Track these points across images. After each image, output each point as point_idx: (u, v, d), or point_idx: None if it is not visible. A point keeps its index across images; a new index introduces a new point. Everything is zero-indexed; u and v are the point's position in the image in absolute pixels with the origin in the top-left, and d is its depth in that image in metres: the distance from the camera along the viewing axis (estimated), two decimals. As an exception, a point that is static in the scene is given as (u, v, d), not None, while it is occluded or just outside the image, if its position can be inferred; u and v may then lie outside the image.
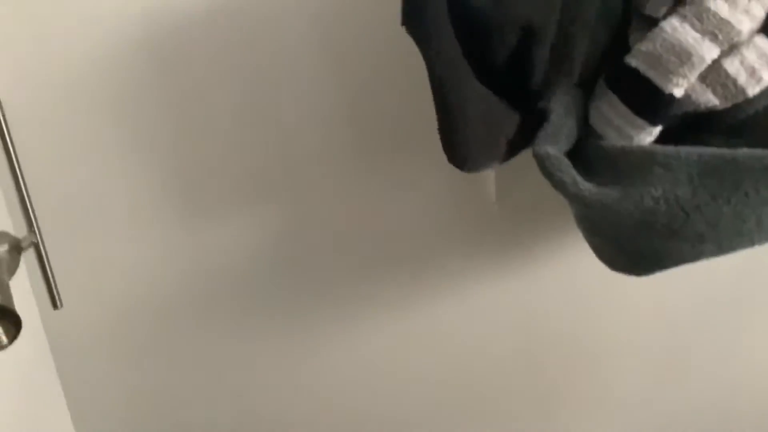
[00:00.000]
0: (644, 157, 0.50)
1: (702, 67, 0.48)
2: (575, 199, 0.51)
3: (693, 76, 0.48)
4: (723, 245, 0.49)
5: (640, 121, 0.51)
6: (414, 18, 0.49)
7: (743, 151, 0.47)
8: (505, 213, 0.74)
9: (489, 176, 0.73)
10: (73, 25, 0.71)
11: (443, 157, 0.69)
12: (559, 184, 0.51)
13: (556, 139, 0.54)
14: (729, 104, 0.50)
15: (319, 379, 0.87)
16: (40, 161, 0.76)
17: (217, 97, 0.73)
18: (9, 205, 0.79)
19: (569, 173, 0.51)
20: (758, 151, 0.47)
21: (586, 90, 0.57)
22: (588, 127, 0.58)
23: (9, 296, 0.67)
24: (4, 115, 0.68)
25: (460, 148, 0.55)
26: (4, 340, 0.68)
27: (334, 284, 0.81)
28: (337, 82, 0.71)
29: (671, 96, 0.49)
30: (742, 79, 0.48)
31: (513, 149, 0.58)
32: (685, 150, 0.49)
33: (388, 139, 0.73)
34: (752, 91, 0.49)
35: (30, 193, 0.72)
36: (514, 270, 0.78)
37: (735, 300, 0.79)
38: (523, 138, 0.56)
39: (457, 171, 0.71)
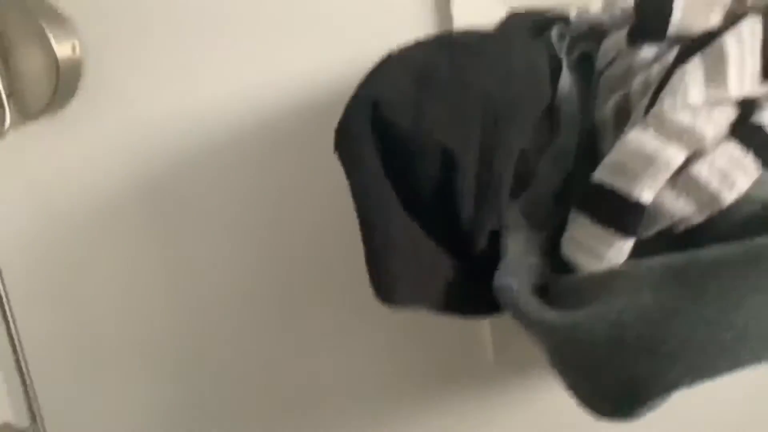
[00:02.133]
0: (607, 274, 0.48)
1: (668, 172, 0.46)
2: (539, 325, 0.47)
3: (659, 182, 0.46)
4: (705, 365, 0.42)
5: (609, 235, 0.49)
6: (343, 141, 0.51)
7: (713, 248, 0.43)
8: (504, 372, 0.72)
9: (485, 335, 0.71)
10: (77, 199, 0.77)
11: (436, 318, 0.68)
12: (521, 314, 0.48)
13: (517, 272, 0.52)
14: (705, 215, 0.47)
15: None
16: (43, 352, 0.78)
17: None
18: (11, 395, 0.79)
19: (532, 302, 0.49)
20: (730, 247, 0.42)
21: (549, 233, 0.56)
22: (553, 270, 0.55)
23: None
24: (9, 302, 0.70)
25: (384, 280, 0.52)
26: None
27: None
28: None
29: (638, 203, 0.47)
30: (714, 184, 0.46)
31: (466, 297, 0.56)
32: (651, 260, 0.45)
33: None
34: (727, 197, 0.46)
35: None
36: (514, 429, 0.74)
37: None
38: (476, 285, 0.54)
39: (451, 330, 0.71)
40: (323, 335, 0.76)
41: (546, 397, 0.72)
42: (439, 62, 0.53)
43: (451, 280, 0.55)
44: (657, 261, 0.45)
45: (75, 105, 0.74)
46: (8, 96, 0.70)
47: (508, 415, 0.73)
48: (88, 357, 0.80)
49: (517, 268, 0.53)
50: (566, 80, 0.59)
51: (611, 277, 0.48)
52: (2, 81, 0.70)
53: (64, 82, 0.71)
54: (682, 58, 0.49)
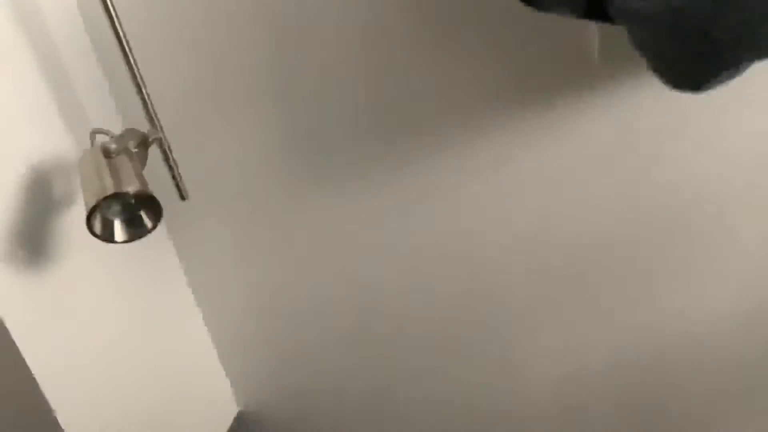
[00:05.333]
0: None
1: None
2: (624, 11, 0.53)
3: None
4: (759, 45, 0.48)
5: None
6: None
7: None
8: (608, 72, 0.74)
9: (592, 34, 0.73)
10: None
11: (552, 24, 0.69)
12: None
13: None
14: None
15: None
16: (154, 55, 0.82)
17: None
18: (119, 103, 0.85)
19: None
20: None
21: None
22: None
23: (147, 186, 0.72)
24: (117, 13, 0.71)
25: None
26: (149, 224, 0.74)
27: (435, 134, 0.84)
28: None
29: None
30: None
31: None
32: None
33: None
34: None
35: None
36: (614, 130, 0.78)
37: None
38: None
39: (558, 29, 0.72)
40: (449, 42, 0.77)
41: (638, 96, 0.75)
42: None
43: None
44: None
45: None
46: None
47: (604, 110, 0.77)
48: (198, 85, 0.84)
49: None
50: None
51: None
52: None
53: None
54: None
